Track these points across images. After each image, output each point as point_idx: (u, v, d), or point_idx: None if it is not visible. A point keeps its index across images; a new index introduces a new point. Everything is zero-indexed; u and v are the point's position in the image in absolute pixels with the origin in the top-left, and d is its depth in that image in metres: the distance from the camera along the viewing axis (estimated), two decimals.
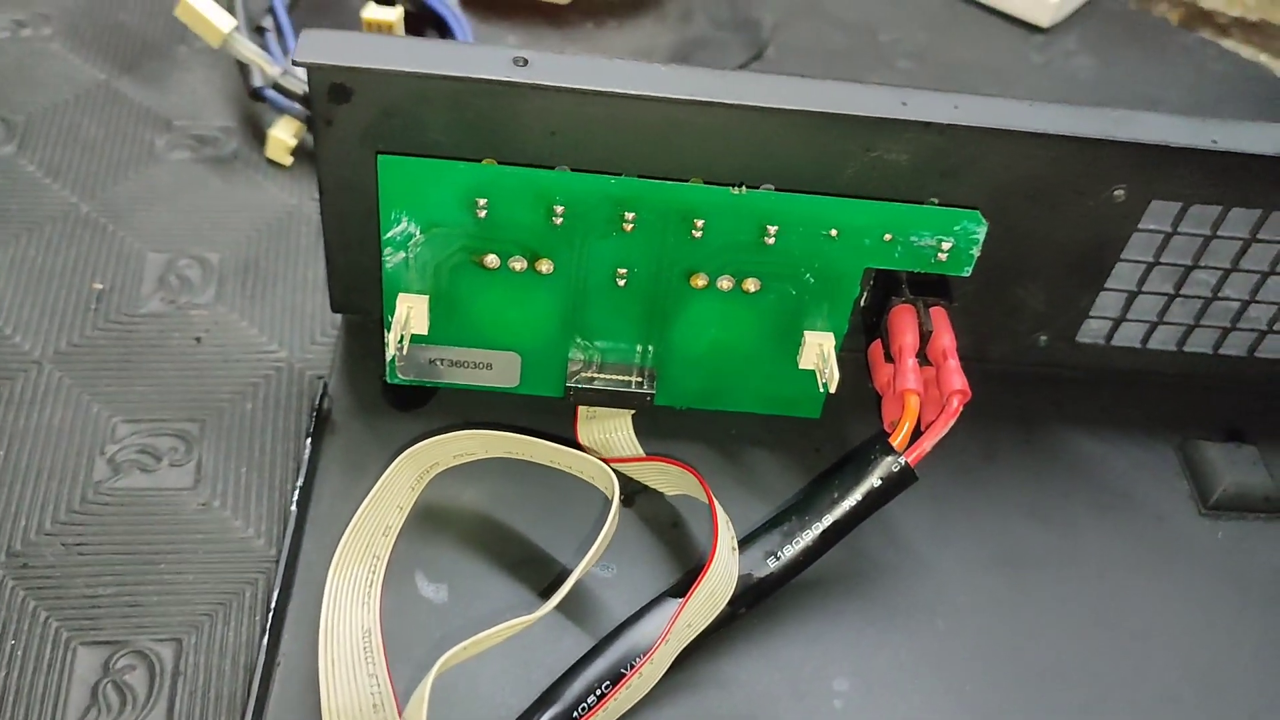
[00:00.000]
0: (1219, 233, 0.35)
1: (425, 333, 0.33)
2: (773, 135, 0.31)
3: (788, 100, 0.31)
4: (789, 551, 0.32)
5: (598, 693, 0.29)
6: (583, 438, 0.35)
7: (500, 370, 0.35)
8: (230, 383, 0.37)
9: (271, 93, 0.44)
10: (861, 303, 0.35)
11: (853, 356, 0.36)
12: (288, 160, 0.44)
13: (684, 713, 0.31)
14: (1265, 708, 0.33)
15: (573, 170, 0.32)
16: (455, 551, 0.33)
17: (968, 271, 0.33)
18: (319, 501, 0.34)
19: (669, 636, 0.29)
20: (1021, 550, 0.35)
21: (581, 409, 0.35)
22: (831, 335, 0.34)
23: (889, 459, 0.32)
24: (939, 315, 0.34)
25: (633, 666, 0.29)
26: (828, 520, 0.32)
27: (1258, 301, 0.37)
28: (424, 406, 0.36)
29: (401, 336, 0.32)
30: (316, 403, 0.35)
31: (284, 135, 0.44)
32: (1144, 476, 0.38)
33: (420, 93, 0.31)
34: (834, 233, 0.32)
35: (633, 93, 0.31)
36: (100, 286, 0.38)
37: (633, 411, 0.35)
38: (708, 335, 0.34)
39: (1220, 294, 0.37)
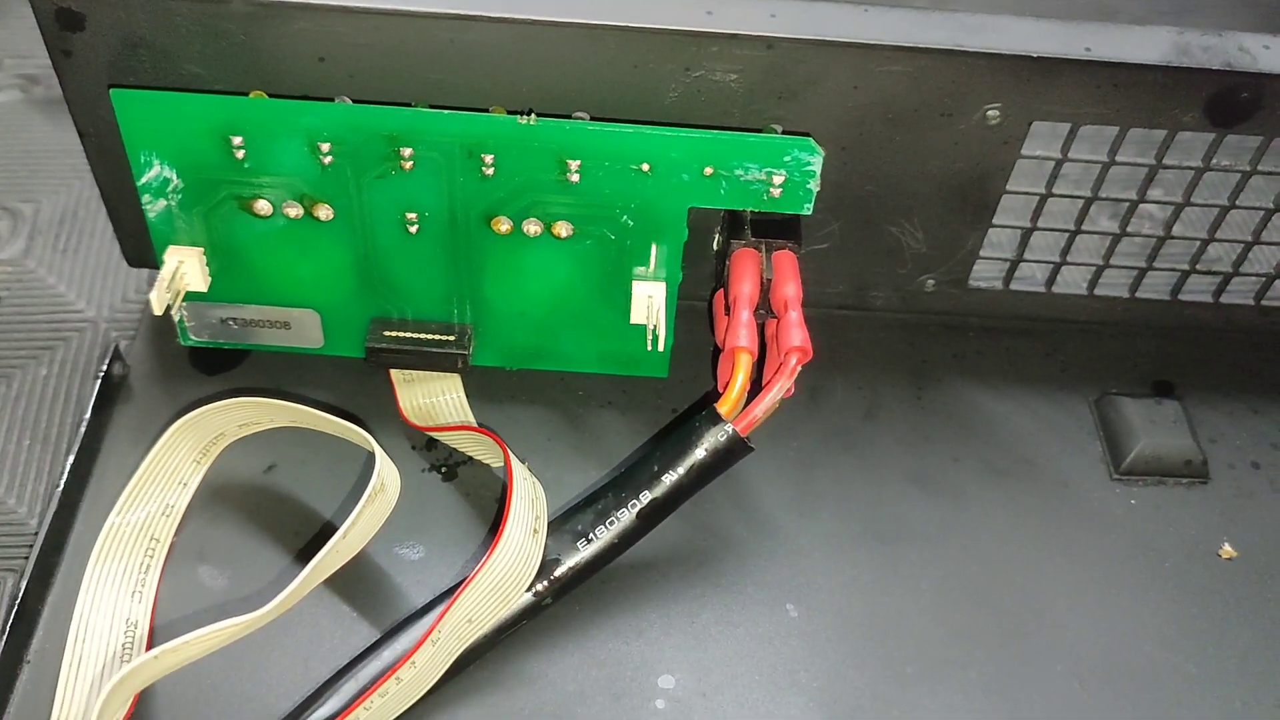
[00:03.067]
0: (1118, 158, 0.30)
1: (204, 289, 0.30)
2: (577, 55, 0.27)
3: (589, 13, 0.27)
4: (602, 534, 0.28)
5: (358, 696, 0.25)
6: (402, 403, 0.32)
7: (300, 330, 0.31)
8: (26, 346, 0.34)
9: None
10: (714, 248, 0.31)
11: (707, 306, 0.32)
12: None
13: (484, 713, 0.27)
14: (1169, 700, 0.28)
15: (354, 102, 0.28)
16: (245, 533, 0.30)
17: (808, 209, 0.28)
18: (100, 478, 0.30)
19: (434, 634, 0.25)
20: (897, 522, 0.31)
21: (395, 372, 0.31)
22: (663, 285, 0.29)
23: (715, 427, 0.28)
24: (785, 260, 0.29)
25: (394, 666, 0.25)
26: (646, 498, 0.28)
27: (1175, 237, 0.32)
28: (232, 370, 0.33)
29: (175, 293, 0.29)
30: (106, 366, 0.32)
31: None
32: (1050, 438, 0.33)
33: (163, 17, 0.27)
34: (645, 167, 0.27)
35: (410, 9, 0.27)
36: None
37: (456, 374, 0.32)
38: (526, 287, 0.30)
39: (1130, 229, 0.32)
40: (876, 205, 0.31)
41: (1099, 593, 0.30)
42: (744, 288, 0.29)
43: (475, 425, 0.30)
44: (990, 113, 0.28)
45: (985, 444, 0.33)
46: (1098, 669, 0.29)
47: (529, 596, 0.27)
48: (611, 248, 0.29)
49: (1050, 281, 0.33)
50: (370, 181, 0.28)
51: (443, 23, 0.27)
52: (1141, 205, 0.31)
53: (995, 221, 0.31)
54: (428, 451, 0.32)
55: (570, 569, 0.28)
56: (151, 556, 0.29)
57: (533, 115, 0.27)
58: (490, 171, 0.27)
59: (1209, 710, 0.28)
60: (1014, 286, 0.33)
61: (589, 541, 0.28)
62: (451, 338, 0.30)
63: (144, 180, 0.28)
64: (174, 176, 0.28)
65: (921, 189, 0.30)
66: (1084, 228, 0.32)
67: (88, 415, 0.31)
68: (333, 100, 0.28)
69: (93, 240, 0.36)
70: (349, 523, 0.26)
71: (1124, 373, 0.35)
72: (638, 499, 0.28)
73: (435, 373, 0.31)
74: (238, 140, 0.27)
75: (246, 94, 0.27)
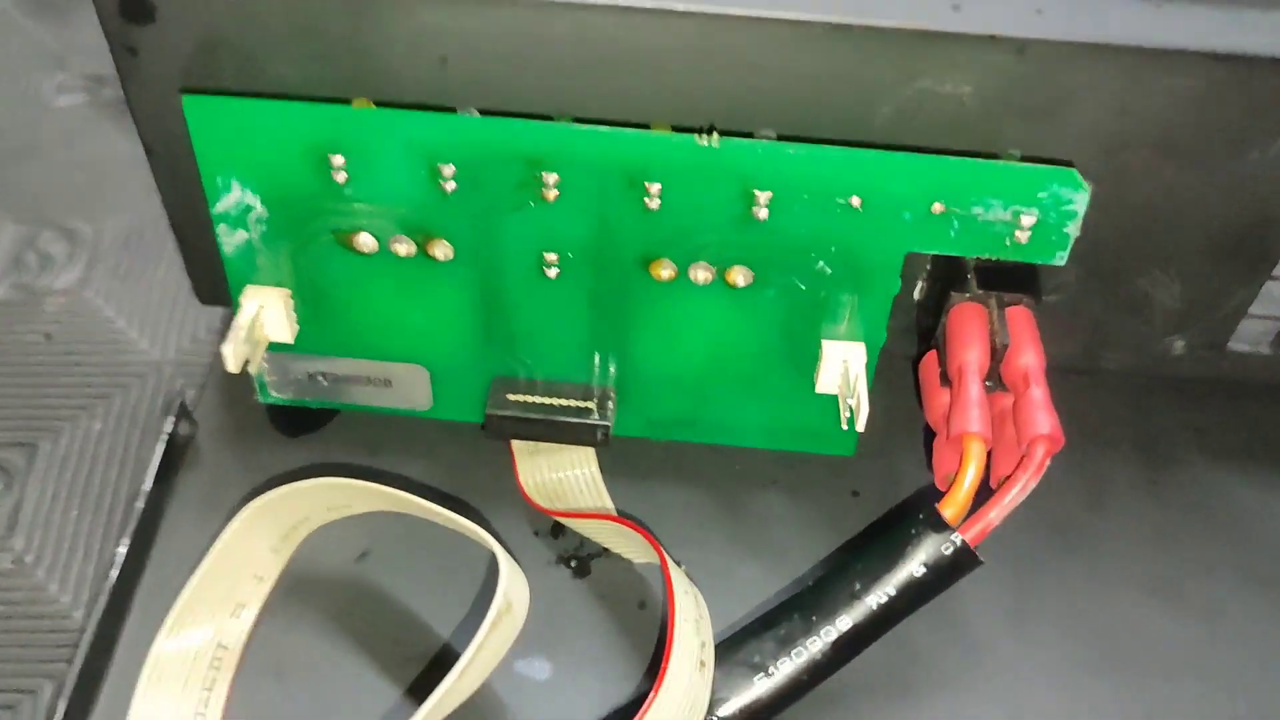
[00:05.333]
0: None
1: (290, 339, 0.24)
2: (767, 59, 0.21)
3: (787, 6, 0.21)
4: (786, 666, 0.22)
5: None
6: (524, 479, 0.26)
7: (405, 389, 0.25)
8: (78, 394, 0.28)
9: None
10: (915, 296, 0.25)
11: (908, 364, 0.26)
12: None
13: None
14: None
15: (484, 114, 0.22)
16: (332, 642, 0.24)
17: (1063, 258, 0.22)
18: (160, 565, 0.25)
19: None
20: (1141, 647, 0.25)
21: (516, 444, 0.26)
22: (862, 346, 0.23)
23: (937, 536, 0.21)
24: (1021, 319, 0.23)
25: None
26: (845, 624, 0.21)
27: None
28: (318, 432, 0.27)
29: (254, 345, 0.23)
30: (171, 426, 0.26)
31: None
32: None
33: (249, 7, 0.21)
34: (856, 201, 0.21)
35: None
36: None
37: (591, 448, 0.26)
38: (686, 345, 0.24)
39: None
40: (1127, 252, 0.24)
41: None
42: (971, 354, 0.23)
43: (616, 515, 0.24)
44: None
45: (1245, 546, 0.26)
46: None
47: None
48: (801, 300, 0.23)
49: None
50: (504, 214, 0.22)
51: (598, 14, 0.21)
52: None
53: (1276, 274, 0.25)
54: (553, 539, 0.26)
55: (744, 711, 0.22)
56: (218, 669, 0.23)
57: (715, 135, 0.21)
58: (656, 204, 0.21)
59: None
60: None
61: (768, 675, 0.22)
62: (590, 404, 0.25)
63: (220, 207, 0.22)
64: (257, 203, 0.22)
65: (1187, 234, 0.24)
66: None
67: (147, 486, 0.25)
68: (457, 112, 0.22)
69: (160, 268, 0.31)
70: (468, 656, 0.20)
71: None
72: (834, 624, 0.22)
73: (566, 445, 0.26)
74: (338, 160, 0.21)
75: (349, 103, 0.22)
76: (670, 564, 0.22)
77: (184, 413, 0.27)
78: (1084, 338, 0.27)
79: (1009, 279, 0.23)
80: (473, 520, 0.23)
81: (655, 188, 0.21)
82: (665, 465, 0.27)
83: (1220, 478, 0.27)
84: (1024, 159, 0.22)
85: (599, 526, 0.25)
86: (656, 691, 0.20)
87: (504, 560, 0.21)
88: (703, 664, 0.21)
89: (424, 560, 0.25)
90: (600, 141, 0.21)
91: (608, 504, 0.26)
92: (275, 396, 0.26)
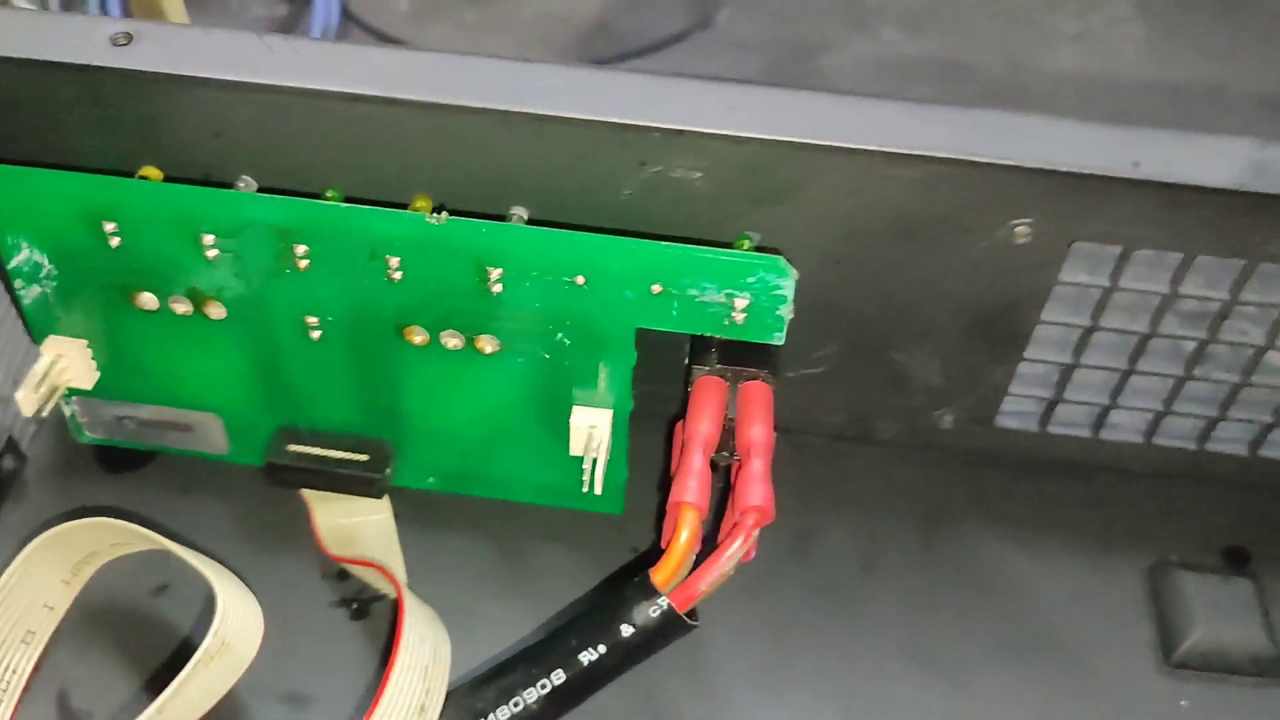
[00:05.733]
0: (1181, 290, 0.24)
1: (89, 385, 0.26)
2: (509, 144, 0.23)
3: (517, 98, 0.22)
4: (503, 715, 0.23)
5: None
6: (319, 524, 0.27)
7: (203, 434, 0.27)
8: None
9: None
10: (686, 360, 0.26)
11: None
12: None
13: None
14: None
15: (259, 185, 0.24)
16: (117, 669, 0.26)
17: (779, 339, 0.23)
18: None
19: None
20: (887, 709, 0.26)
21: (307, 493, 0.27)
22: (608, 413, 0.25)
23: (646, 601, 0.23)
24: (755, 394, 0.24)
25: None
26: (558, 678, 0.23)
27: (1254, 384, 0.26)
28: (140, 469, 0.29)
29: (52, 390, 0.25)
30: None
31: None
32: (1087, 611, 0.27)
33: (41, 84, 0.23)
34: (580, 280, 0.23)
35: (311, 86, 0.22)
36: None
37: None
38: (452, 404, 0.26)
39: (1198, 372, 0.26)
40: (881, 328, 0.26)
41: None
42: (701, 425, 0.24)
43: (372, 561, 0.26)
44: (1019, 229, 0.23)
45: (1005, 614, 0.27)
46: None
47: None
48: (547, 367, 0.24)
49: (1098, 426, 0.27)
50: (261, 279, 0.23)
51: (350, 104, 0.23)
52: (1213, 345, 0.25)
53: (1028, 355, 0.26)
54: (340, 581, 0.27)
55: None
56: (5, 691, 0.25)
57: (443, 214, 0.22)
58: (398, 275, 0.23)
59: None
60: (1052, 429, 0.28)
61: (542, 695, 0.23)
62: (365, 457, 0.26)
63: (13, 263, 0.24)
64: (45, 261, 0.24)
65: (935, 313, 0.25)
66: (1140, 367, 0.26)
67: None
68: (233, 183, 0.24)
69: (8, 314, 0.33)
70: (175, 685, 0.21)
71: (1187, 537, 0.28)
72: (548, 679, 0.23)
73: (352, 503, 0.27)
74: (110, 226, 0.23)
75: (133, 172, 0.24)
76: (409, 606, 0.24)
77: (11, 447, 0.28)
78: (853, 409, 0.28)
79: (748, 355, 0.24)
80: (261, 560, 0.25)
81: (395, 260, 0.23)
82: (457, 516, 0.28)
83: (994, 548, 0.28)
84: (760, 244, 0.23)
85: (369, 573, 0.26)
86: None
87: (223, 600, 0.23)
88: (423, 710, 0.23)
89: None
90: (340, 216, 0.22)
91: (396, 550, 0.27)
92: (90, 436, 0.28)
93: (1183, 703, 0.26)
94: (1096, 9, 0.45)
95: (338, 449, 0.26)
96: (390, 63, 0.23)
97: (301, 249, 0.23)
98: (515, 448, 0.26)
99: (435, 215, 0.22)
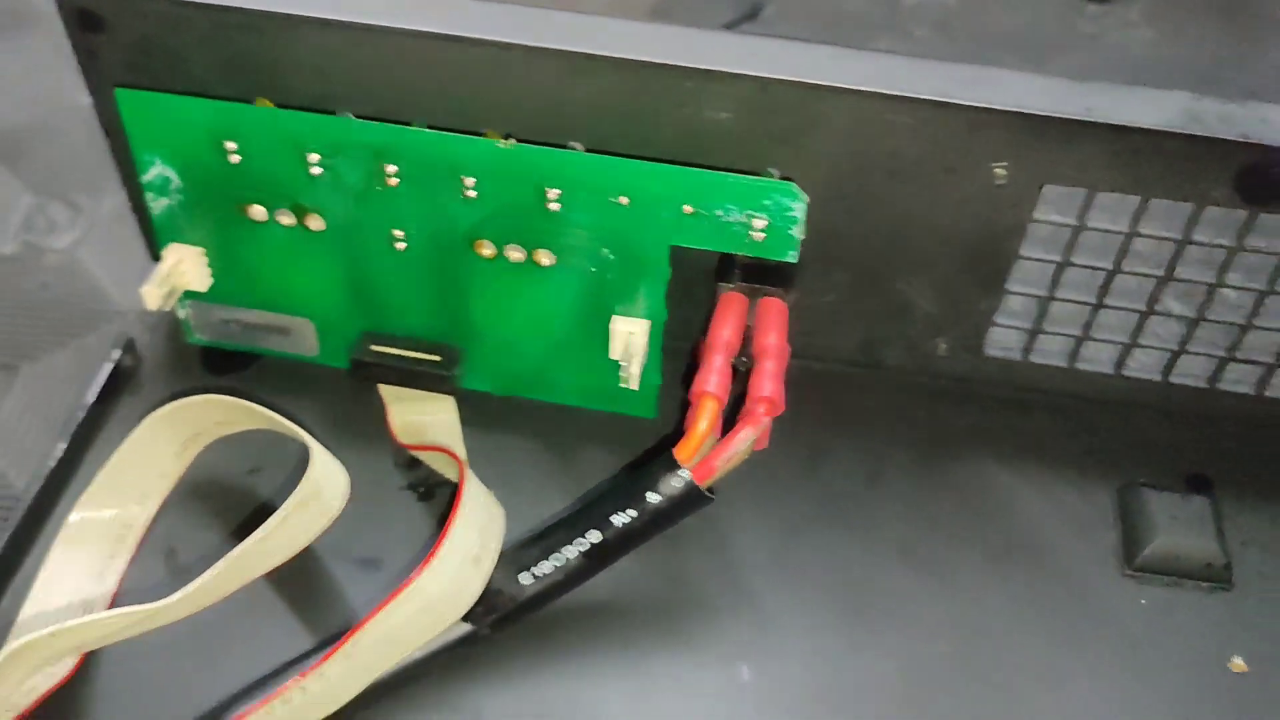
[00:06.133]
0: (1140, 229, 0.28)
1: (204, 289, 0.31)
2: (568, 84, 0.27)
3: (572, 42, 0.26)
4: (546, 569, 0.27)
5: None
6: (393, 419, 0.32)
7: (298, 337, 0.32)
8: (58, 332, 0.35)
9: None
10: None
11: None
12: None
13: None
14: None
15: (356, 117, 0.28)
16: (218, 533, 0.30)
17: (793, 256, 0.27)
18: (94, 462, 0.31)
19: (347, 646, 0.25)
20: (877, 598, 0.30)
21: (385, 389, 0.31)
22: (646, 323, 0.29)
23: (669, 474, 0.27)
24: (771, 308, 0.28)
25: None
26: (595, 538, 0.27)
27: (1209, 321, 0.30)
28: (241, 372, 0.33)
29: (171, 290, 0.30)
30: (117, 356, 0.33)
31: None
32: (1062, 523, 0.31)
33: (174, 22, 0.28)
34: (624, 200, 0.27)
35: (403, 26, 0.27)
36: None
37: (450, 397, 0.31)
38: (513, 313, 0.30)
39: (1160, 308, 0.30)
40: (883, 259, 0.30)
41: (1086, 696, 0.28)
42: (723, 332, 0.28)
43: (441, 446, 0.30)
44: (997, 170, 0.27)
45: (989, 523, 0.31)
46: None
47: (465, 626, 0.27)
48: (594, 280, 0.28)
49: (1073, 357, 0.31)
50: (356, 195, 0.28)
51: (437, 43, 0.27)
52: (1171, 283, 0.29)
53: (1010, 288, 0.30)
54: (409, 470, 0.32)
55: (511, 602, 0.27)
56: (121, 543, 0.29)
57: (511, 139, 0.27)
58: (473, 194, 0.27)
59: None
60: (1034, 358, 0.31)
61: (533, 577, 0.27)
62: (439, 358, 0.30)
63: (147, 178, 0.29)
64: (174, 176, 0.29)
65: (929, 246, 0.29)
66: (1108, 302, 0.30)
67: (88, 399, 0.32)
68: (334, 113, 0.28)
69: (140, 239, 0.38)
70: (271, 525, 0.26)
71: (1156, 462, 0.32)
72: (585, 538, 0.27)
73: (428, 393, 0.31)
74: (231, 145, 0.28)
75: (252, 101, 0.28)
76: (469, 479, 0.28)
77: (130, 348, 0.33)
78: (862, 336, 0.32)
79: (767, 275, 0.28)
80: (343, 449, 0.29)
81: (470, 180, 0.27)
82: (515, 421, 0.32)
83: (985, 468, 0.32)
84: (782, 178, 0.28)
85: (436, 458, 0.31)
86: (420, 571, 0.26)
87: (317, 454, 0.27)
88: (478, 560, 0.27)
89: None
90: (424, 141, 0.27)
91: (459, 442, 0.31)
92: (198, 338, 0.32)
93: (1141, 601, 0.30)
94: (1111, 14, 0.48)
95: (414, 350, 0.30)
96: (472, 9, 0.27)
97: (391, 169, 0.27)
98: (565, 355, 0.30)
99: (505, 141, 0.27)
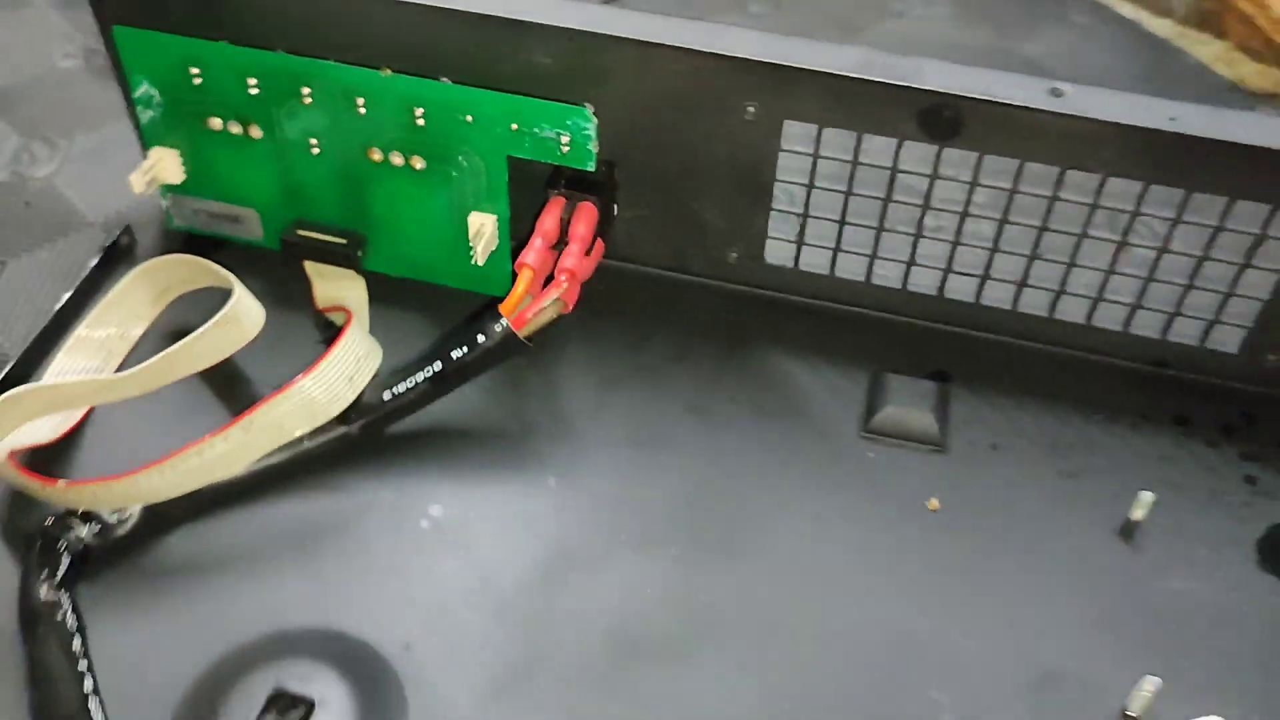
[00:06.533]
0: (861, 160, 0.37)
1: (178, 182, 0.41)
2: (434, 32, 0.37)
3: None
4: (401, 389, 0.37)
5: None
6: (315, 290, 0.41)
7: (247, 224, 0.42)
8: (40, 238, 0.45)
9: None
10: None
11: None
12: None
13: (291, 510, 0.36)
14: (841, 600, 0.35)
15: (288, 52, 0.38)
16: None
17: (591, 166, 0.37)
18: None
19: (245, 421, 0.34)
20: (665, 436, 0.39)
21: (309, 265, 0.41)
22: (493, 217, 0.38)
23: (494, 322, 0.36)
24: (584, 210, 0.38)
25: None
26: (437, 367, 0.36)
27: (927, 237, 0.38)
28: (213, 254, 0.43)
29: (151, 180, 0.40)
30: (115, 235, 0.43)
31: None
32: (823, 396, 0.40)
33: None
34: (469, 119, 0.36)
35: None
36: None
37: (360, 278, 0.41)
38: (399, 208, 0.40)
39: (887, 225, 0.38)
40: (678, 181, 0.39)
41: (813, 519, 0.37)
42: (544, 223, 0.37)
43: (345, 307, 0.40)
44: (749, 109, 0.36)
45: (764, 392, 0.40)
46: (789, 569, 0.35)
47: (341, 427, 0.36)
48: (456, 183, 0.38)
49: (831, 266, 0.40)
50: (282, 111, 0.38)
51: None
52: (891, 204, 0.38)
53: (776, 207, 0.39)
54: (325, 329, 0.41)
55: (374, 411, 0.37)
56: (108, 360, 0.40)
57: (388, 70, 0.36)
58: (363, 111, 0.37)
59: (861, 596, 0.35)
60: (802, 268, 0.40)
61: (392, 394, 0.37)
62: (345, 241, 0.40)
63: (136, 94, 0.39)
64: (156, 94, 0.39)
65: (712, 170, 0.38)
66: (849, 220, 0.38)
67: (94, 262, 0.42)
68: (270, 50, 0.38)
69: (111, 170, 0.47)
70: (198, 334, 0.35)
71: (910, 356, 0.41)
72: (431, 367, 0.37)
73: (344, 271, 0.41)
74: (195, 70, 0.38)
75: (214, 38, 0.38)
76: (354, 323, 0.38)
77: (127, 231, 0.44)
78: (671, 245, 0.41)
79: (582, 185, 0.38)
80: (278, 311, 0.38)
81: (361, 101, 0.37)
82: (413, 303, 0.42)
83: (772, 355, 0.41)
84: (594, 112, 0.37)
85: (339, 318, 0.40)
86: (304, 374, 0.35)
87: (239, 290, 0.37)
88: (351, 379, 0.36)
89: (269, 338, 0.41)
90: (327, 70, 0.37)
91: (364, 312, 0.41)
92: (178, 224, 0.43)
93: (869, 454, 0.38)
94: None
95: (329, 235, 0.40)
96: None
97: (306, 90, 0.37)
98: (440, 244, 0.40)
99: (385, 71, 0.36)
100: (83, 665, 0.31)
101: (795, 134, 0.37)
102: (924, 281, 0.40)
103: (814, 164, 0.37)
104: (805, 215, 0.39)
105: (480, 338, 0.36)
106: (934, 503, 0.37)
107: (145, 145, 0.41)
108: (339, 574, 0.35)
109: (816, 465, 0.38)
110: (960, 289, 0.40)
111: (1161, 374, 0.40)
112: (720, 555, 0.36)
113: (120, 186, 0.45)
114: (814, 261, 0.40)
